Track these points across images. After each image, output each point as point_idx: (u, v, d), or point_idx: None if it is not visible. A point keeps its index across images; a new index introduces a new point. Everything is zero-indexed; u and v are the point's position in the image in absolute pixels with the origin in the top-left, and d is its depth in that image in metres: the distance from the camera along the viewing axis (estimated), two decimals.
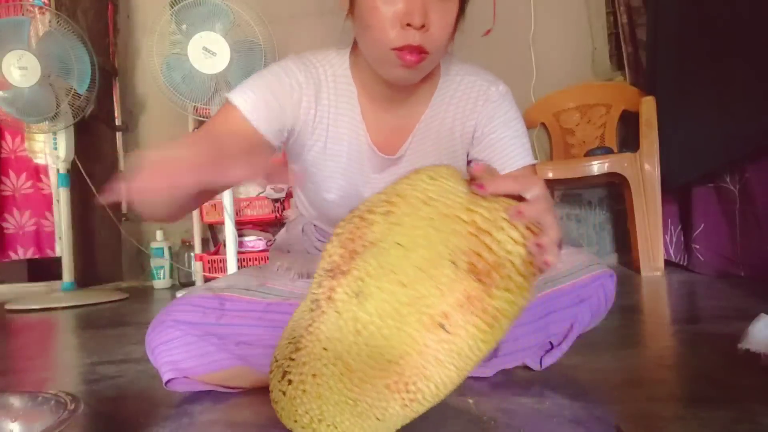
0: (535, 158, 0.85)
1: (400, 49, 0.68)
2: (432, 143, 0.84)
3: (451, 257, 0.46)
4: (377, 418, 0.48)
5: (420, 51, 0.68)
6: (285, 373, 0.51)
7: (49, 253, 2.67)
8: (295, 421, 0.50)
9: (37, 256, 2.67)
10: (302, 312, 0.55)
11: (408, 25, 0.66)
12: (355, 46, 0.82)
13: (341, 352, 0.48)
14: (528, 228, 0.48)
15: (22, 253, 2.65)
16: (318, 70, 0.81)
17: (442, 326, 0.45)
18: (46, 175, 2.67)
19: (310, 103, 0.80)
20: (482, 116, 0.83)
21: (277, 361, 0.54)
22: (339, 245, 0.52)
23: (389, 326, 0.46)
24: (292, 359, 0.51)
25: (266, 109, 0.76)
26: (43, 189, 2.68)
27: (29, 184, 2.66)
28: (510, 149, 0.82)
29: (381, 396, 0.47)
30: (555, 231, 0.51)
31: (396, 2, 0.67)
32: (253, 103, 0.75)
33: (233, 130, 0.74)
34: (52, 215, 2.64)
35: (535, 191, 0.51)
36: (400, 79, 0.74)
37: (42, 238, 2.67)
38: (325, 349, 0.49)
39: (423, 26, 0.67)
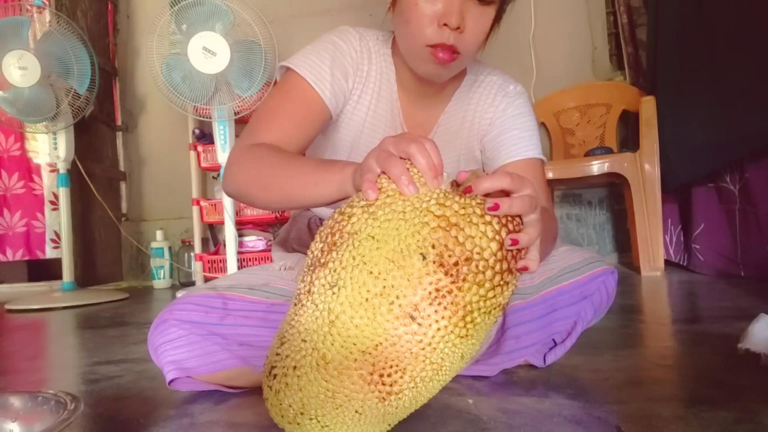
0: (544, 157, 0.87)
1: (434, 46, 0.72)
2: (453, 135, 0.89)
3: (420, 249, 0.46)
4: (356, 411, 0.48)
5: (453, 51, 0.72)
6: (272, 368, 0.51)
7: (39, 254, 2.63)
8: (282, 417, 0.50)
9: (26, 258, 2.64)
10: (290, 309, 0.56)
11: (444, 25, 0.70)
12: (394, 38, 0.86)
13: (317, 343, 0.48)
14: (504, 225, 0.48)
15: (11, 254, 2.62)
16: (369, 42, 0.85)
17: (413, 318, 0.45)
18: (39, 175, 2.64)
19: (362, 71, 0.84)
20: (498, 110, 0.87)
21: (267, 359, 0.54)
22: (320, 240, 0.53)
23: (361, 316, 0.46)
24: (278, 354, 0.51)
25: (331, 80, 0.80)
26: (35, 189, 2.65)
27: (21, 184, 2.63)
28: (517, 141, 0.85)
29: (357, 387, 0.47)
30: (535, 230, 0.50)
31: (436, 2, 0.70)
32: (319, 74, 0.79)
33: (307, 107, 0.78)
34: (44, 216, 2.62)
35: (523, 191, 0.50)
36: (431, 74, 0.77)
37: (32, 239, 2.64)
38: (303, 340, 0.49)
39: (458, 28, 0.70)
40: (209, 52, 2.05)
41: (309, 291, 0.50)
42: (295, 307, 0.53)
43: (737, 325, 0.99)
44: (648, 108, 2.02)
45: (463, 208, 0.48)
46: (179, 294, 2.17)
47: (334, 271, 0.48)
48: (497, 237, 0.47)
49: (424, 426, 0.62)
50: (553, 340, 0.83)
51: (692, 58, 1.86)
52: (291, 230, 1.02)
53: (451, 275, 0.45)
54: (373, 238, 0.48)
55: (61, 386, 0.74)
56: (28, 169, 2.65)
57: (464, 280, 0.46)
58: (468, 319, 0.47)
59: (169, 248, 2.70)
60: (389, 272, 0.46)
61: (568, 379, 0.78)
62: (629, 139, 2.38)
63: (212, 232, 2.79)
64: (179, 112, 2.23)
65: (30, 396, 0.57)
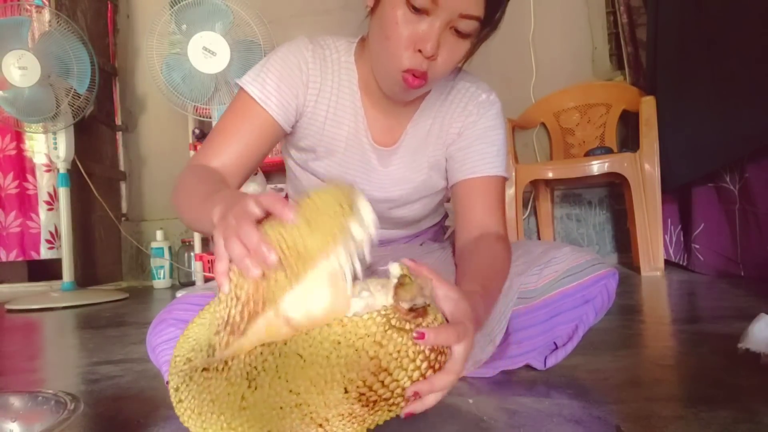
0: (508, 173, 0.87)
1: (406, 71, 0.72)
2: (421, 142, 0.87)
3: (344, 384, 0.48)
4: None
5: (423, 77, 0.72)
6: (178, 387, 0.54)
7: (33, 255, 2.61)
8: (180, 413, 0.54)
9: (20, 259, 2.62)
10: (201, 339, 0.55)
11: (419, 51, 0.70)
12: (362, 41, 0.85)
13: (226, 412, 0.50)
14: (431, 366, 0.49)
15: (5, 255, 2.59)
16: (325, 51, 0.84)
17: (321, 426, 0.48)
18: (33, 175, 2.61)
19: (316, 83, 0.83)
20: (468, 120, 0.86)
21: (176, 362, 0.55)
22: (232, 297, 0.50)
23: (272, 414, 0.48)
24: (187, 381, 0.53)
25: (278, 96, 0.80)
26: (28, 189, 2.62)
27: (15, 184, 2.61)
28: (483, 157, 0.84)
29: None
30: (453, 374, 0.51)
31: (416, 26, 0.69)
32: (266, 92, 0.79)
33: (255, 125, 0.79)
34: (38, 216, 2.60)
35: (463, 343, 0.52)
36: (396, 95, 0.78)
37: (26, 239, 2.61)
38: (212, 402, 0.50)
39: (432, 56, 0.70)
40: (209, 52, 2.05)
41: (226, 363, 0.50)
42: (209, 359, 0.52)
43: (737, 325, 0.99)
44: (648, 108, 2.02)
45: (398, 351, 0.48)
46: (179, 294, 2.17)
47: (255, 368, 0.49)
48: (421, 378, 0.49)
49: (423, 425, 0.62)
50: (554, 343, 0.83)
51: (692, 58, 1.86)
52: None
53: (367, 406, 0.48)
54: (300, 357, 0.48)
55: (61, 386, 0.75)
56: (22, 169, 2.62)
57: (378, 411, 0.49)
58: (370, 427, 0.50)
59: (169, 248, 2.70)
60: (308, 393, 0.48)
61: (568, 379, 0.78)
62: (629, 139, 2.38)
63: None
64: (179, 111, 2.23)
65: (30, 396, 0.57)
